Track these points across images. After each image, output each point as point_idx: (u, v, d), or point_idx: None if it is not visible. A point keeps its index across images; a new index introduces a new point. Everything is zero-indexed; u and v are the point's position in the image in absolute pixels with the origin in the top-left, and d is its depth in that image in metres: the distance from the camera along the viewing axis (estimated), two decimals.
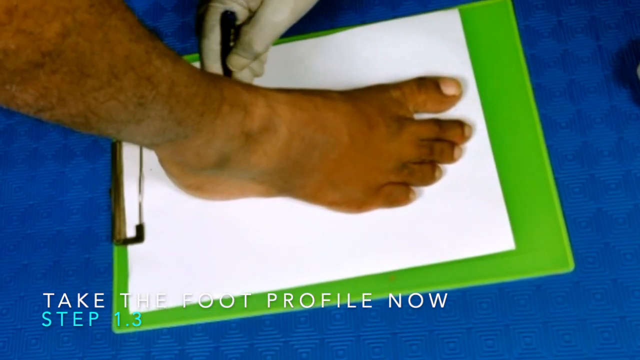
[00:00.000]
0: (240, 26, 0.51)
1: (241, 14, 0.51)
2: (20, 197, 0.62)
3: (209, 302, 0.54)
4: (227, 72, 0.51)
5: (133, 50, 0.36)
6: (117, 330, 0.55)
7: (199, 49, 0.51)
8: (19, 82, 0.32)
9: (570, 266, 0.50)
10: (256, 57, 0.51)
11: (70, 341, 0.56)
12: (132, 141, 0.47)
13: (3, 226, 0.61)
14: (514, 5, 0.57)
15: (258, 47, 0.50)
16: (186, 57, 0.46)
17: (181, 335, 0.54)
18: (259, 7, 0.50)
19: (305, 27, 0.61)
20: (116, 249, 0.57)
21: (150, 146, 0.47)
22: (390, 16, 0.60)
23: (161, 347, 0.54)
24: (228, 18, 0.50)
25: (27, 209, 0.61)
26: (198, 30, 0.51)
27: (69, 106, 0.36)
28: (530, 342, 0.49)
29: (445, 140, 0.53)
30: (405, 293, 0.52)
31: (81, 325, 0.56)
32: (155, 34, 0.39)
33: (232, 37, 0.51)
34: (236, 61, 0.51)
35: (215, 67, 0.51)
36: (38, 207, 0.61)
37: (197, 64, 0.46)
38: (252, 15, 0.50)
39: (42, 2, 0.30)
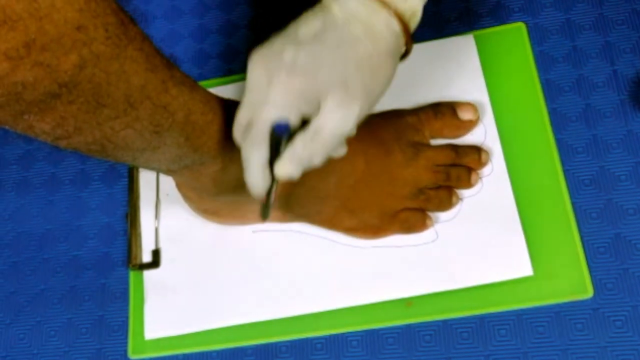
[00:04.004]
0: (288, 139, 0.42)
1: (295, 123, 0.41)
2: (38, 222, 0.62)
3: (224, 328, 0.54)
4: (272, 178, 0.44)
5: (149, 80, 0.36)
6: (132, 356, 0.55)
7: (244, 157, 0.43)
8: (36, 112, 0.33)
9: (589, 292, 0.49)
10: (310, 168, 0.43)
11: None
12: (149, 167, 0.47)
13: (21, 251, 0.61)
14: (528, 31, 0.57)
15: (318, 161, 0.42)
16: (202, 83, 0.46)
17: None
18: (318, 116, 0.41)
19: None
20: (132, 274, 0.58)
21: (167, 172, 0.48)
22: None
23: None
24: (281, 130, 0.41)
25: (45, 234, 0.61)
26: (245, 133, 0.43)
27: (85, 134, 0.36)
28: None
29: (462, 165, 0.53)
30: (422, 319, 0.51)
31: (97, 350, 0.56)
32: (172, 61, 0.40)
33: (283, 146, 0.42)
34: (286, 172, 0.42)
35: (263, 176, 0.43)
36: (55, 232, 0.61)
37: (213, 90, 0.46)
38: (307, 122, 0.42)
39: (59, 35, 0.30)
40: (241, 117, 0.42)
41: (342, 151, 0.44)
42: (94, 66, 0.32)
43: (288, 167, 0.42)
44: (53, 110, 0.33)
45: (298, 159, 0.41)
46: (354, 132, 0.41)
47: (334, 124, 0.40)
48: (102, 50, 0.32)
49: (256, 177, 0.43)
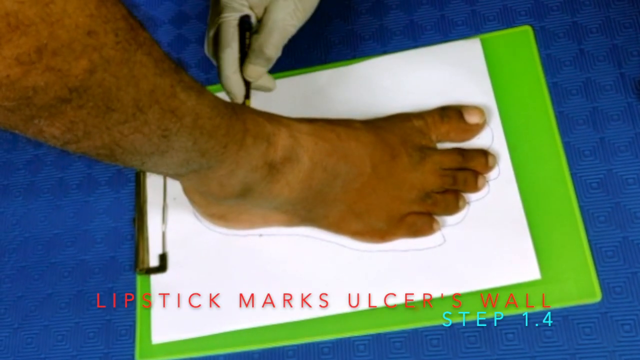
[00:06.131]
0: (251, 34, 0.53)
1: (253, 18, 0.53)
2: (45, 227, 0.62)
3: (231, 333, 0.54)
4: (247, 83, 0.54)
5: (158, 85, 0.36)
6: None
7: (218, 63, 0.53)
8: (46, 117, 0.33)
9: (597, 296, 0.49)
10: (269, 62, 0.53)
11: None
12: (156, 172, 0.47)
13: (28, 255, 0.61)
14: (535, 34, 0.57)
15: (269, 51, 0.52)
16: (210, 88, 0.47)
17: None
18: (265, 13, 0.52)
19: (327, 57, 0.62)
20: (139, 279, 0.58)
21: (174, 176, 0.48)
22: (411, 46, 0.60)
23: None
24: (245, 23, 0.52)
25: (52, 238, 0.62)
26: (214, 47, 0.53)
27: (95, 139, 0.36)
28: None
29: (468, 169, 0.53)
30: (429, 323, 0.51)
31: (104, 354, 0.56)
32: (180, 65, 0.40)
33: (247, 44, 0.53)
34: (252, 70, 0.53)
35: (236, 77, 0.52)
36: (62, 237, 0.61)
37: (220, 95, 0.46)
38: (259, 21, 0.53)
39: (70, 40, 0.30)
40: (210, 32, 0.53)
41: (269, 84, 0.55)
42: (104, 71, 0.33)
43: (251, 65, 0.52)
44: (63, 114, 0.33)
45: (254, 53, 0.52)
46: (294, 28, 0.52)
47: (276, 15, 0.51)
48: (112, 55, 0.33)
49: (232, 77, 0.52)
